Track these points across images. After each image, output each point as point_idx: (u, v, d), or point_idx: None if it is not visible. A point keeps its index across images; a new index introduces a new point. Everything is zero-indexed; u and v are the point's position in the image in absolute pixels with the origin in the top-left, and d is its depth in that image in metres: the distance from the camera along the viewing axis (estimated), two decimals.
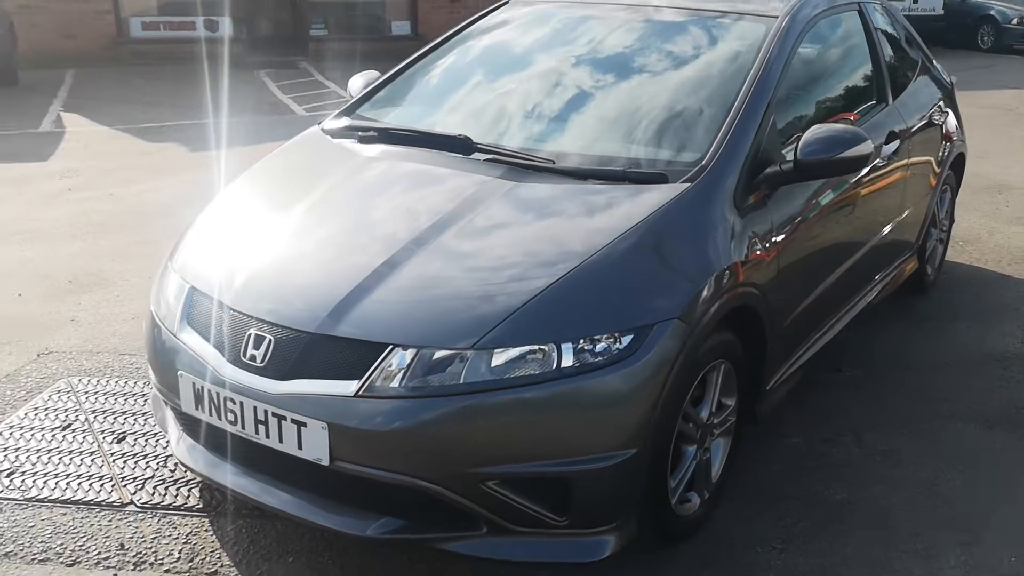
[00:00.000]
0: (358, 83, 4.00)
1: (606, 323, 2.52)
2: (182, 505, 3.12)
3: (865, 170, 3.68)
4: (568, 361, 2.46)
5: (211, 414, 2.65)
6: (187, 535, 2.98)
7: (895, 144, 4.05)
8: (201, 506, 3.12)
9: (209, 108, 10.27)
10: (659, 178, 2.95)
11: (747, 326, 3.07)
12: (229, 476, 2.72)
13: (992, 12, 18.88)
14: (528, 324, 2.48)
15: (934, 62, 5.03)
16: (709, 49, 3.60)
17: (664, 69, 3.55)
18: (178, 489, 3.20)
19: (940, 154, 4.77)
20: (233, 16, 15.59)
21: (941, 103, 4.89)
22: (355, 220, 3.00)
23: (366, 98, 3.82)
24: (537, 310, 2.51)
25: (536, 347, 2.46)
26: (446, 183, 3.06)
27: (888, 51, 4.44)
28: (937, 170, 4.74)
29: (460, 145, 3.21)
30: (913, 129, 4.34)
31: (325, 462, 2.48)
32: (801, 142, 3.12)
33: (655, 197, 2.86)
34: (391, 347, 2.45)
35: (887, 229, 4.18)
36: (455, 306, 2.54)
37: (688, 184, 2.92)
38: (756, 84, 3.26)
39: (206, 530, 3.00)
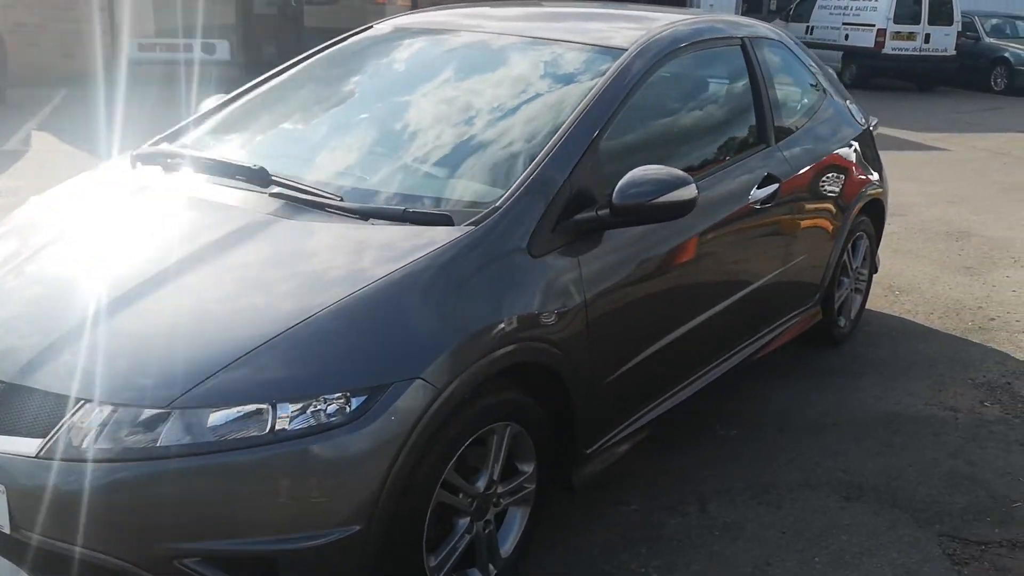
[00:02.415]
0: (207, 105, 3.79)
1: (336, 382, 2.27)
2: None
3: (725, 215, 3.45)
4: (284, 424, 2.21)
5: None
6: None
7: (772, 188, 3.75)
8: None
9: None
10: (443, 220, 2.70)
11: (548, 385, 2.79)
12: None
13: (1006, 54, 18.49)
14: (242, 380, 2.23)
15: (850, 102, 4.74)
16: (547, 82, 3.36)
17: (495, 103, 3.31)
18: None
19: (845, 200, 4.47)
20: (231, 39, 15.56)
21: (851, 146, 4.59)
22: (100, 254, 2.76)
23: (198, 122, 3.59)
24: (255, 364, 2.26)
25: (249, 407, 2.21)
26: (216, 217, 2.83)
27: (778, 90, 4.16)
28: (840, 216, 4.44)
29: (257, 176, 2.97)
30: (803, 172, 4.05)
31: (6, 529, 2.23)
32: (618, 185, 2.86)
33: (429, 241, 2.61)
34: (82, 402, 2.20)
35: (767, 279, 3.88)
36: (167, 356, 2.29)
37: (471, 228, 2.66)
38: (580, 121, 3.01)
39: None
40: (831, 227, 4.41)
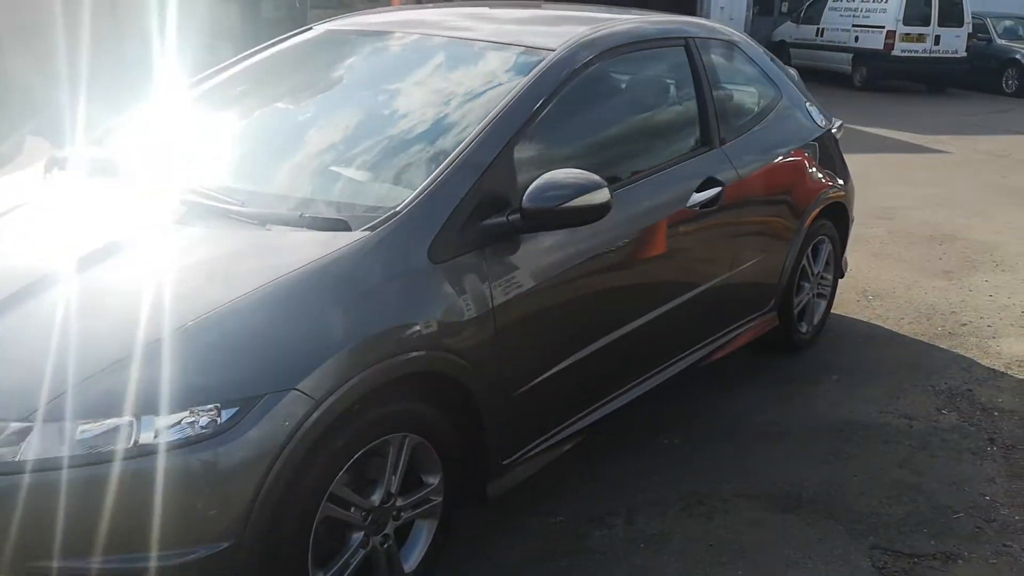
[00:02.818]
0: (133, 110, 3.76)
1: (206, 394, 2.21)
2: None
3: (659, 219, 3.41)
4: (150, 437, 2.15)
5: None
6: None
7: (714, 191, 3.67)
8: None
9: None
10: (339, 225, 2.64)
11: (454, 396, 2.73)
12: None
13: (1017, 56, 18.25)
14: (106, 392, 2.18)
15: (809, 104, 4.65)
16: (469, 85, 3.31)
17: (412, 106, 3.27)
18: None
19: (801, 203, 4.38)
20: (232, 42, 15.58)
21: (808, 148, 4.50)
22: None
23: (121, 126, 3.56)
24: (121, 376, 2.21)
25: (113, 420, 2.15)
26: (109, 222, 2.78)
27: (726, 92, 4.08)
28: (795, 220, 4.35)
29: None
30: (751, 175, 3.97)
31: None
32: (528, 189, 2.79)
33: (322, 247, 2.55)
34: None
35: (711, 284, 3.81)
36: (31, 368, 2.24)
37: (367, 233, 2.60)
38: (495, 123, 2.95)
39: None
40: (784, 231, 4.32)
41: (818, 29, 19.70)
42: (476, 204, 2.78)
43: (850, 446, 3.89)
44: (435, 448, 2.72)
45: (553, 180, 2.80)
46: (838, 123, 4.89)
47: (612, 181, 3.23)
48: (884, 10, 17.96)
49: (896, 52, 17.76)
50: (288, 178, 3.03)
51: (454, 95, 3.25)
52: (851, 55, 18.59)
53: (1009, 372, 4.64)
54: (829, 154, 4.71)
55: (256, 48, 3.82)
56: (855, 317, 5.36)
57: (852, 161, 5.03)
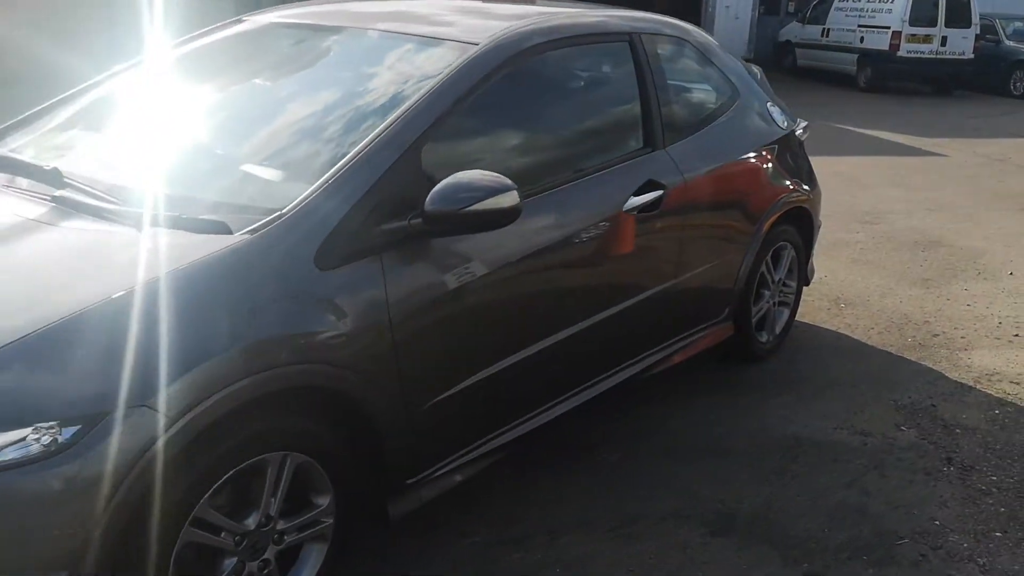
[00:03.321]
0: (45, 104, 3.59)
1: (45, 410, 2.04)
2: None
3: (587, 224, 3.23)
4: None
5: None
6: None
7: (655, 195, 3.48)
8: None
9: None
10: (218, 227, 2.46)
11: (348, 411, 2.56)
12: None
13: None
14: None
15: (771, 105, 4.44)
16: (385, 80, 3.13)
17: (324, 101, 3.09)
18: None
19: (757, 208, 4.18)
20: None
21: (766, 150, 4.30)
22: None
23: (26, 122, 3.39)
24: None
25: None
26: None
27: (674, 90, 3.88)
28: (751, 226, 4.15)
29: (49, 177, 2.76)
30: (698, 178, 3.77)
31: None
32: (432, 191, 2.61)
33: (195, 251, 2.37)
34: None
35: (651, 292, 3.62)
36: None
37: (247, 236, 2.42)
38: (402, 121, 2.76)
39: None
40: (739, 236, 4.13)
41: (824, 29, 19.45)
42: (374, 206, 2.60)
43: (797, 464, 3.69)
44: (324, 467, 2.54)
45: (457, 182, 2.62)
46: (803, 125, 4.69)
47: (537, 183, 3.06)
48: (890, 10, 17.69)
49: (901, 53, 17.50)
50: (176, 176, 2.85)
51: (367, 91, 3.08)
52: (856, 56, 18.33)
53: (977, 386, 4.43)
54: (791, 157, 4.51)
55: (179, 40, 3.65)
56: (823, 326, 5.15)
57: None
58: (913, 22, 17.46)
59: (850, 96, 17.05)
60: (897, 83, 18.02)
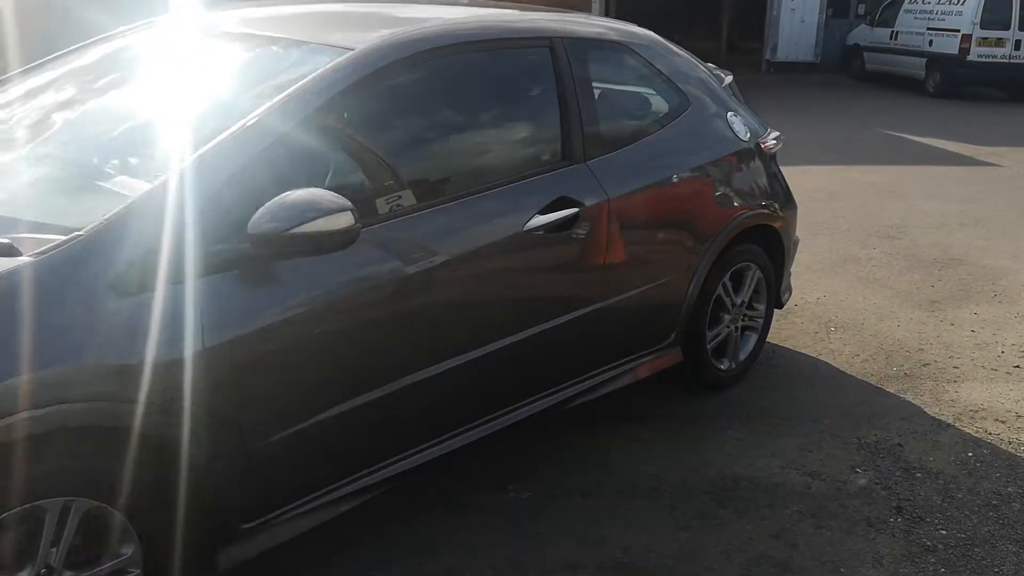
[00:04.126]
0: None
1: None
2: None
3: (477, 245, 2.99)
4: None
5: None
6: None
7: (568, 213, 3.21)
8: None
9: None
10: (6, 250, 2.27)
11: (153, 452, 2.35)
12: None
13: None
14: None
15: (732, 115, 4.11)
16: (246, 88, 2.93)
17: (166, 112, 2.90)
18: None
19: (708, 226, 3.87)
20: None
21: (722, 164, 3.98)
22: None
23: None
24: None
25: None
26: None
27: (606, 99, 3.60)
28: (701, 245, 3.84)
29: None
30: (629, 193, 3.49)
31: None
32: (256, 212, 2.40)
33: None
34: None
35: (566, 318, 3.34)
36: None
37: (30, 260, 2.22)
38: (241, 133, 2.55)
39: None
40: (685, 257, 3.82)
41: (892, 32, 18.75)
42: (196, 226, 2.38)
43: (726, 509, 3.37)
44: (125, 513, 2.32)
45: (284, 201, 2.41)
46: (772, 136, 4.33)
47: (416, 200, 2.82)
48: (960, 12, 16.94)
49: (972, 57, 16.73)
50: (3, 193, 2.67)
51: (217, 101, 2.87)
52: (925, 60, 17.60)
53: (956, 424, 4.04)
54: (753, 171, 4.17)
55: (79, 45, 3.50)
56: (804, 351, 4.79)
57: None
58: (985, 25, 16.68)
59: (916, 102, 16.36)
60: (968, 89, 17.20)
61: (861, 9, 21.64)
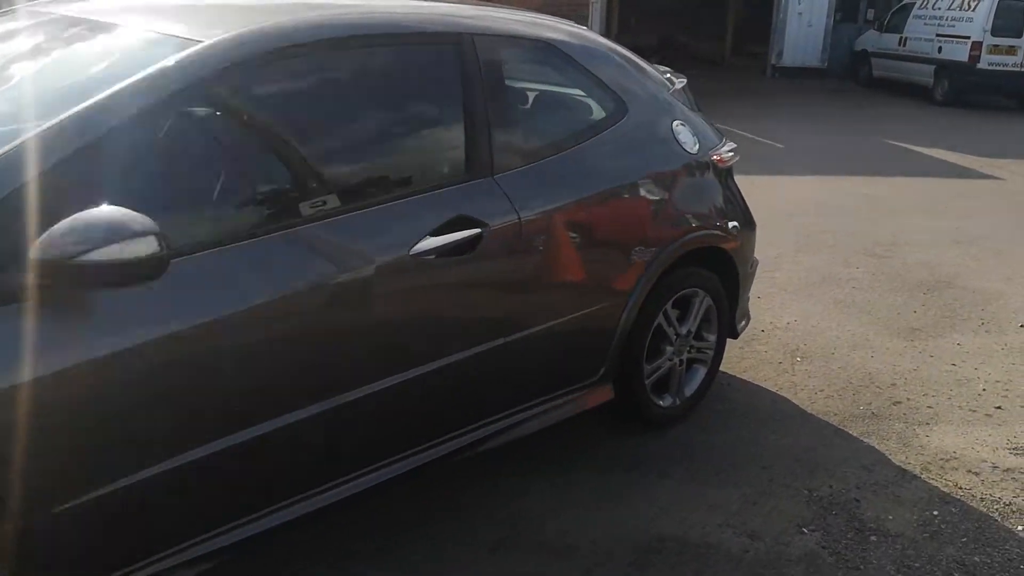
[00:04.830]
0: None
1: None
2: None
3: (345, 274, 2.56)
4: None
5: None
6: None
7: (469, 234, 2.79)
8: None
9: None
10: None
11: None
12: None
13: None
14: None
15: (677, 124, 3.67)
16: (73, 79, 2.49)
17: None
18: None
19: (645, 248, 3.43)
20: None
21: (663, 179, 3.55)
22: None
23: None
24: None
25: None
26: None
27: (517, 105, 3.18)
28: (632, 269, 3.40)
29: None
30: (543, 212, 3.06)
31: None
32: (41, 236, 1.98)
33: None
34: None
35: (461, 355, 2.92)
36: None
37: None
38: (43, 136, 2.13)
39: None
40: (615, 283, 3.38)
41: (901, 38, 18.25)
42: None
43: (645, 574, 2.93)
44: None
45: (74, 223, 1.99)
46: (727, 148, 3.89)
47: (269, 220, 2.42)
48: (971, 19, 16.43)
49: (981, 65, 16.22)
50: None
51: (40, 96, 2.44)
52: (934, 67, 17.09)
53: (923, 475, 3.59)
54: (702, 186, 3.74)
55: None
56: (764, 385, 4.35)
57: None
58: (996, 32, 16.17)
59: (923, 111, 15.86)
60: (977, 98, 16.69)
61: (870, 14, 21.12)
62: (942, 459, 3.73)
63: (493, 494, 3.31)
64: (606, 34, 17.58)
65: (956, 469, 3.66)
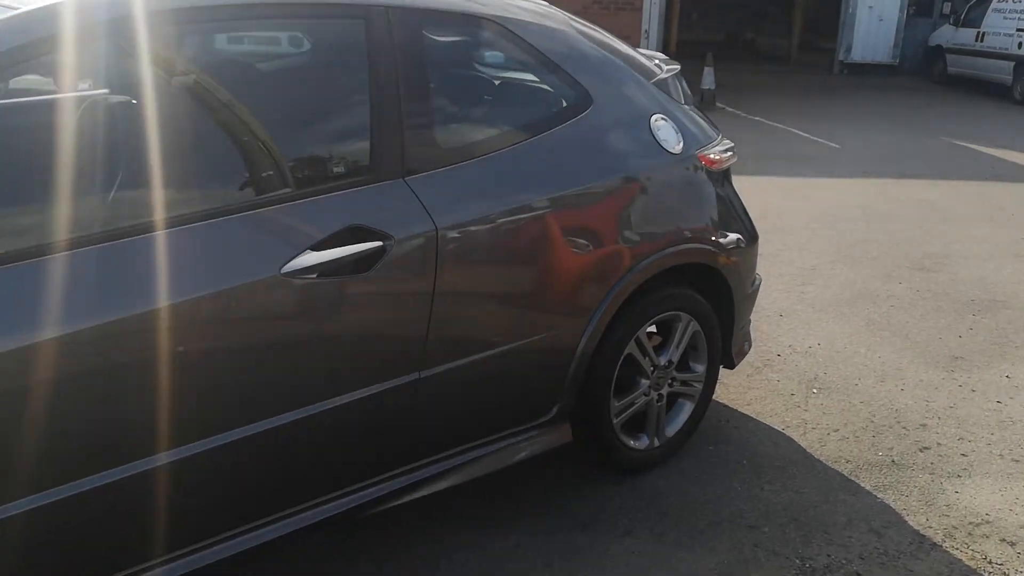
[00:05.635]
0: None
1: None
2: None
3: (195, 297, 2.05)
4: None
5: None
6: None
7: (367, 247, 2.27)
8: None
9: None
10: None
11: None
12: None
13: None
14: None
15: (657, 118, 3.10)
16: None
17: None
18: None
19: (607, 264, 2.88)
20: None
21: (632, 183, 2.99)
22: None
23: None
24: None
25: None
26: None
27: (443, 93, 2.64)
28: (600, 289, 2.85)
29: None
30: (471, 221, 2.52)
31: None
32: None
33: None
34: None
35: (376, 389, 2.43)
36: None
37: None
38: None
39: None
40: (570, 306, 2.83)
41: (978, 33, 17.23)
42: None
43: None
44: None
45: None
46: (722, 147, 3.30)
47: (105, 226, 1.94)
48: None
49: None
50: None
51: None
52: (1013, 64, 16.07)
53: (945, 543, 2.97)
54: (687, 192, 3.16)
55: None
56: (768, 422, 3.74)
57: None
58: None
59: (999, 110, 14.90)
60: None
61: (947, 8, 20.06)
62: (971, 523, 3.10)
63: (424, 557, 2.78)
64: (666, 32, 16.81)
65: (987, 537, 3.03)
